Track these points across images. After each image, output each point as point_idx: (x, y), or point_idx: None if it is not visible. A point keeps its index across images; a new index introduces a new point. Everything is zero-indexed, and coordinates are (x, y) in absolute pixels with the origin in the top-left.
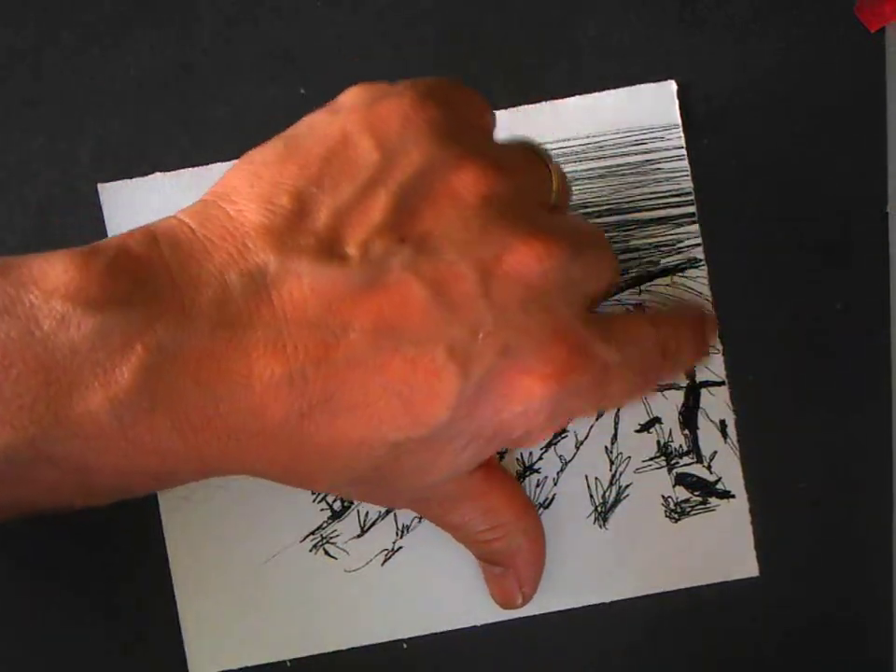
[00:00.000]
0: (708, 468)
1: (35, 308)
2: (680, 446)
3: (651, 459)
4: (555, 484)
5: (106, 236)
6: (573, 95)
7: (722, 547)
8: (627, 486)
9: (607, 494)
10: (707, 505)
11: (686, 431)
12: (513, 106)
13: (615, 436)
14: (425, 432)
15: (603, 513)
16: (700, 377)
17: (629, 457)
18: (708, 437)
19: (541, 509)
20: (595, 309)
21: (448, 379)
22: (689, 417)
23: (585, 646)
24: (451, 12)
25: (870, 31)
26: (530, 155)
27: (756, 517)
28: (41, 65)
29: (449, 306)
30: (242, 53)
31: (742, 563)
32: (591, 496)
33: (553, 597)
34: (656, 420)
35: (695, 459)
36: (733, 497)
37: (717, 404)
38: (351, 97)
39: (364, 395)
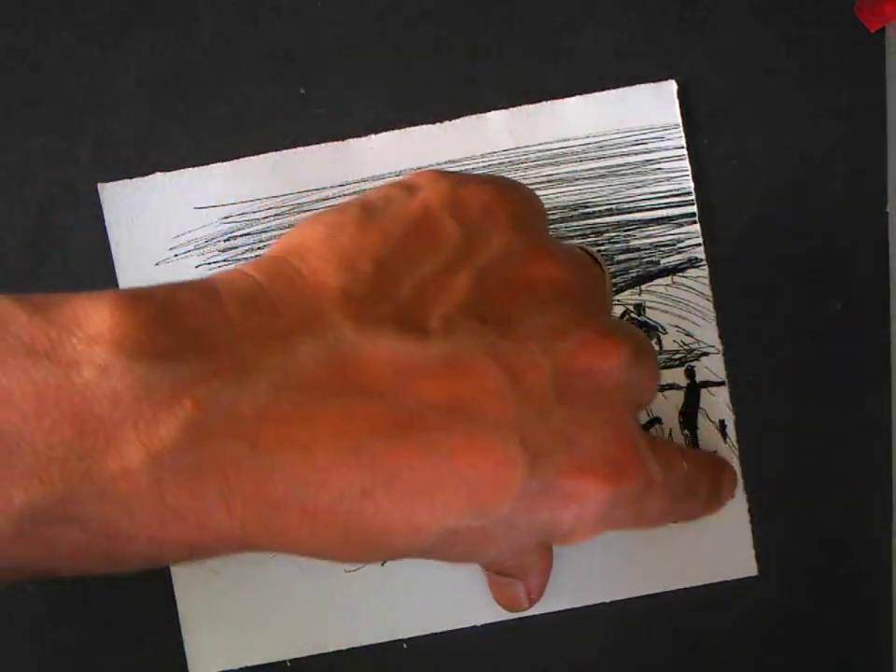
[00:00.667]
0: None
1: (77, 353)
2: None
3: None
4: None
5: (106, 236)
6: (573, 95)
7: (722, 547)
8: None
9: None
10: None
11: (686, 431)
12: (513, 106)
13: None
14: (485, 521)
15: None
16: (700, 377)
17: None
18: (708, 437)
19: None
20: None
21: (517, 470)
22: (689, 417)
23: (585, 646)
24: (451, 12)
25: (870, 31)
26: (587, 257)
27: (756, 517)
28: (41, 65)
29: (525, 395)
30: (242, 53)
31: (741, 563)
32: None
33: (553, 597)
34: (656, 420)
35: None
36: (732, 498)
37: (717, 404)
38: (428, 178)
39: (432, 478)
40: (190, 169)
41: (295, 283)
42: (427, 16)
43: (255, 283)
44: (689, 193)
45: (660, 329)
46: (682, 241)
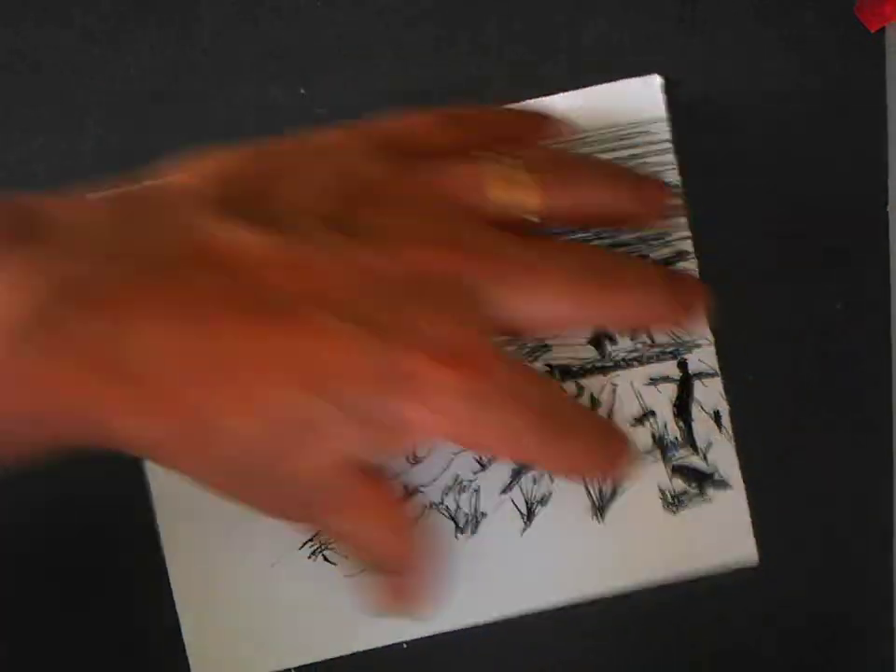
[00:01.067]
0: (704, 458)
1: None
2: (676, 438)
3: (647, 452)
4: (552, 481)
5: None
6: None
7: (722, 536)
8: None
9: (604, 488)
10: (705, 495)
11: (681, 423)
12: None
13: None
14: (319, 408)
15: (601, 507)
16: (693, 368)
17: None
18: (703, 428)
19: (539, 505)
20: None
21: (353, 352)
22: (683, 409)
23: (585, 641)
24: (451, 12)
25: (870, 31)
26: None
27: (755, 517)
28: (41, 65)
29: (370, 289)
30: (242, 53)
31: (742, 551)
32: (588, 491)
33: (554, 592)
34: (650, 413)
35: (691, 451)
36: (730, 487)
37: (710, 395)
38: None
39: (270, 354)
40: None
41: (164, 187)
42: (426, 16)
43: (125, 188)
44: (676, 186)
45: None
46: (670, 233)
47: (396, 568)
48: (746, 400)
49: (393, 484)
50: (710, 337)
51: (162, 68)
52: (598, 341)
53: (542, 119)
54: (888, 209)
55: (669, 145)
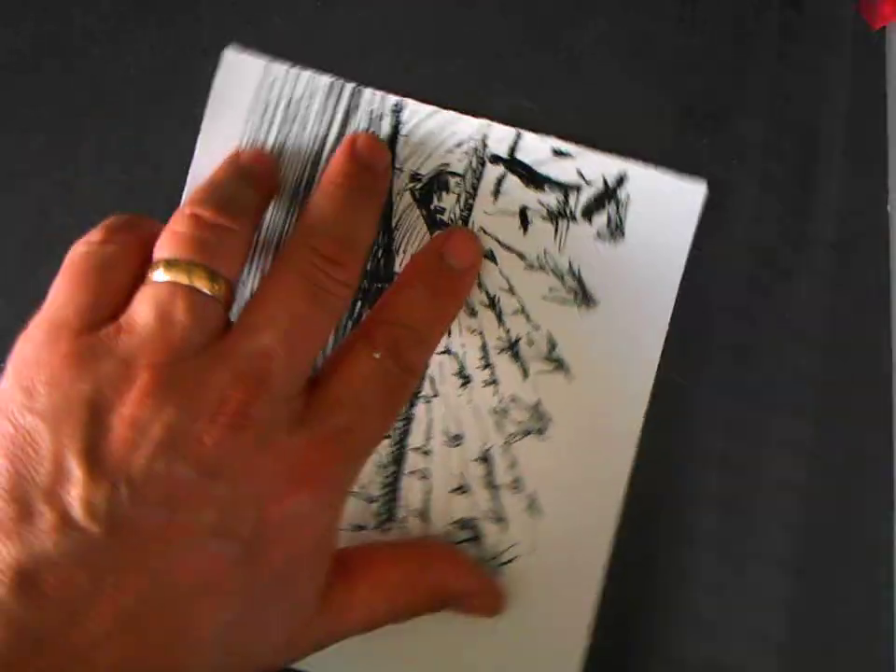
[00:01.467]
0: None
1: None
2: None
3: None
4: None
5: None
6: (573, 95)
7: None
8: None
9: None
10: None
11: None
12: (512, 106)
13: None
14: (239, 597)
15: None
16: None
17: None
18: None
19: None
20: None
21: (226, 551)
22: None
23: None
24: (451, 12)
25: (871, 30)
26: (176, 293)
27: (757, 516)
28: (41, 65)
29: (189, 505)
30: None
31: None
32: None
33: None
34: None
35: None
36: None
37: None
38: (8, 388)
39: (171, 614)
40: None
41: None
42: (426, 16)
43: None
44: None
45: None
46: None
47: None
48: (745, 400)
49: None
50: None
51: (162, 68)
52: None
53: None
54: (888, 209)
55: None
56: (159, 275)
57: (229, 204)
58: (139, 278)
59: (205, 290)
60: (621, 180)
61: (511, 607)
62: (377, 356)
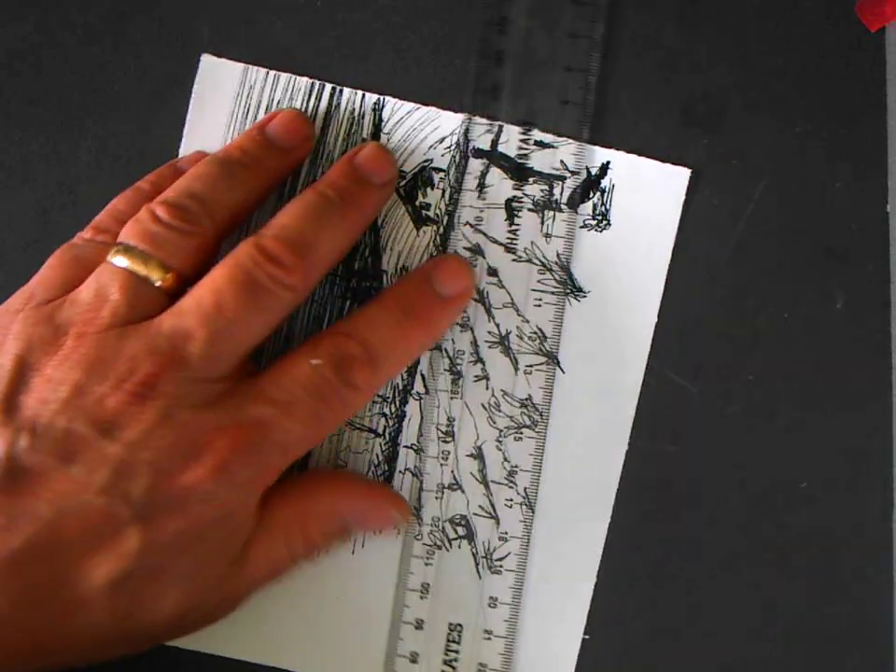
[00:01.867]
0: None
1: None
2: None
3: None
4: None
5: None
6: (574, 96)
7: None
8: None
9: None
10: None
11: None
12: (513, 106)
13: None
14: (130, 561)
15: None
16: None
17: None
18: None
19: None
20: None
21: (116, 512)
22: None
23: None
24: (451, 12)
25: (870, 31)
26: (120, 274)
27: (757, 516)
28: (41, 65)
29: (83, 461)
30: (242, 53)
31: None
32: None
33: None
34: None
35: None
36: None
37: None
38: None
39: (58, 563)
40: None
41: None
42: (426, 16)
43: None
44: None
45: None
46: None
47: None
48: (745, 400)
49: None
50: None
51: (162, 68)
52: None
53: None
54: (888, 209)
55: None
56: (115, 258)
57: (195, 205)
58: None
59: (153, 280)
60: (604, 168)
61: (515, 599)
62: (315, 362)
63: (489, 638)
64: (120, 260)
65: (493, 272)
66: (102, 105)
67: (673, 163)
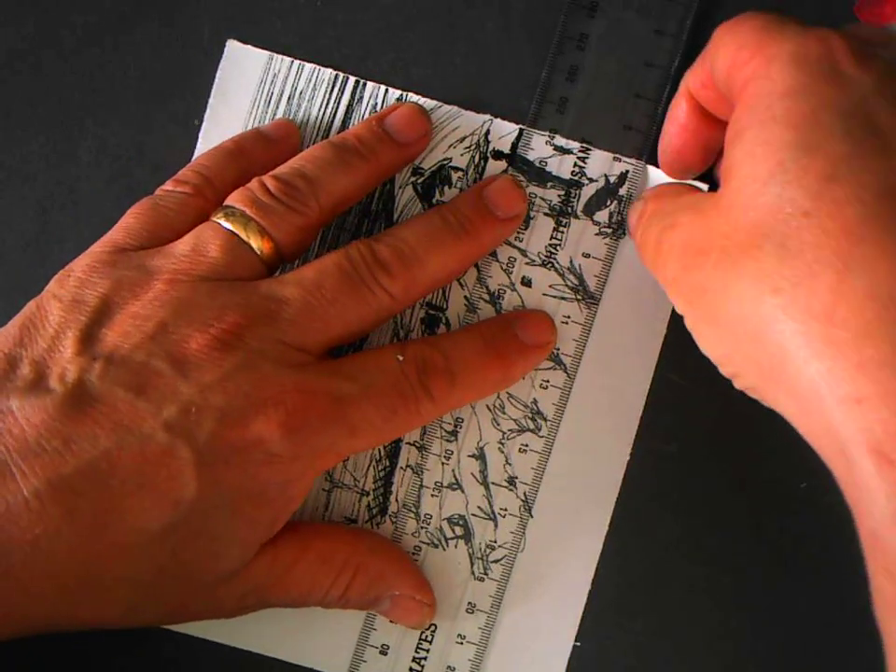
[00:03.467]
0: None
1: None
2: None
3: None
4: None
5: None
6: (574, 95)
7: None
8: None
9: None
10: None
11: None
12: (512, 106)
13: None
14: (182, 510)
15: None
16: None
17: None
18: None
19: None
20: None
21: (177, 453)
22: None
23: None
24: (451, 12)
25: None
26: (221, 233)
27: (757, 517)
28: (41, 65)
29: (154, 396)
30: None
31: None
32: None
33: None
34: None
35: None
36: None
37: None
38: (49, 284)
39: (106, 497)
40: None
41: None
42: (426, 15)
43: None
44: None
45: None
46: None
47: None
48: (745, 400)
49: None
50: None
51: (162, 68)
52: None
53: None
54: None
55: None
56: (217, 218)
57: (305, 185)
58: (198, 223)
59: (251, 245)
60: (623, 177)
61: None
62: (400, 357)
63: (461, 643)
64: (223, 221)
65: (506, 274)
66: (102, 105)
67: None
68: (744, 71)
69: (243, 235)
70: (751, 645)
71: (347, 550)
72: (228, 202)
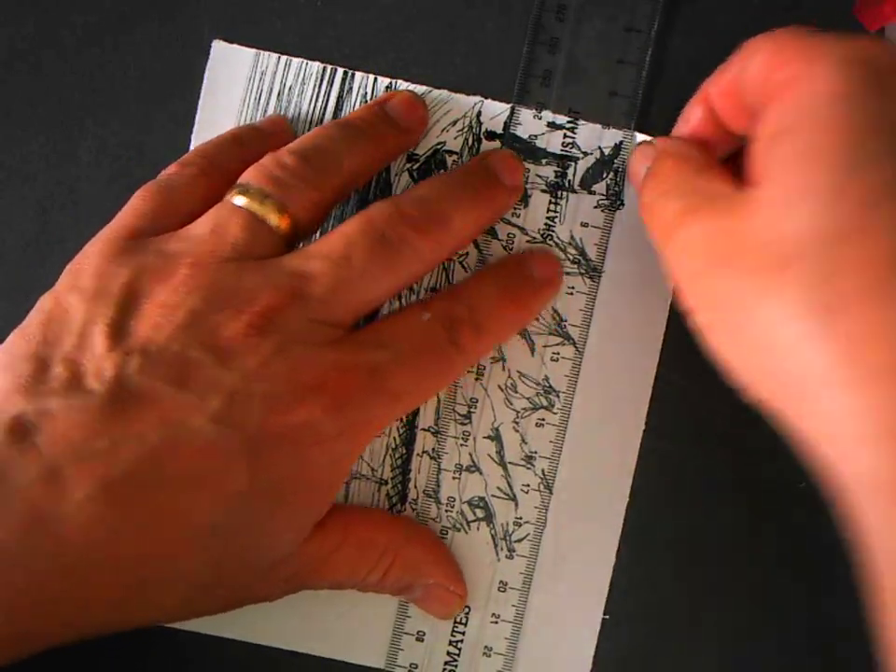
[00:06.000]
0: None
1: None
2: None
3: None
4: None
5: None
6: (574, 95)
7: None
8: None
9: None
10: None
11: None
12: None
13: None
14: (235, 503)
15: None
16: None
17: None
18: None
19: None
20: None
21: (227, 445)
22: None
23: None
24: (451, 12)
25: (869, 31)
26: (238, 212)
27: (758, 517)
28: (41, 65)
29: (196, 388)
30: None
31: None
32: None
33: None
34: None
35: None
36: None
37: None
38: (62, 277)
39: (160, 496)
40: None
41: None
42: (426, 16)
43: None
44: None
45: None
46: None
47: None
48: (745, 401)
49: None
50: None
51: (162, 68)
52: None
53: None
54: None
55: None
56: (232, 198)
57: (318, 160)
58: (206, 204)
59: (269, 221)
60: (617, 148)
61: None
62: (426, 316)
63: (496, 622)
64: (238, 199)
65: (508, 254)
66: (102, 105)
67: None
68: (783, 72)
69: (260, 212)
70: (752, 644)
71: (387, 536)
72: (242, 179)
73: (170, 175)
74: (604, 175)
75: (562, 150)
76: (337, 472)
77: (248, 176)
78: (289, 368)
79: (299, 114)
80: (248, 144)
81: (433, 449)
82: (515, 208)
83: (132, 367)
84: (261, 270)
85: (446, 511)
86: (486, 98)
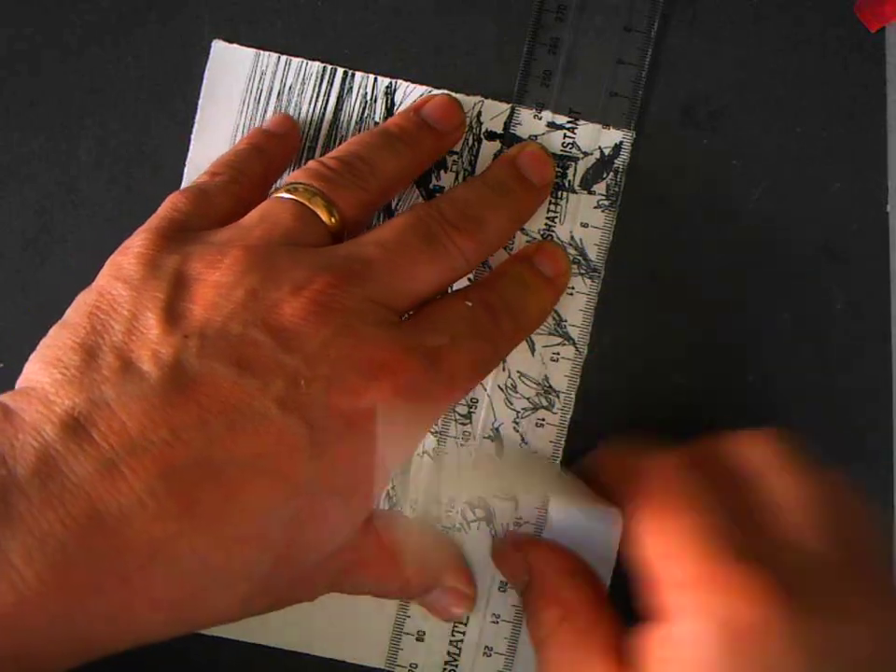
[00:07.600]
0: None
1: None
2: None
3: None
4: None
5: (106, 236)
6: (574, 95)
7: None
8: None
9: None
10: None
11: None
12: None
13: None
14: (300, 494)
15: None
16: None
17: None
18: None
19: None
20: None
21: (292, 430)
22: None
23: None
24: (451, 12)
25: (870, 31)
26: (287, 204)
27: None
28: (41, 65)
29: (259, 371)
30: None
31: None
32: None
33: None
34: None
35: None
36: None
37: None
38: (103, 270)
39: (224, 487)
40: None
41: (27, 398)
42: (427, 16)
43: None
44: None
45: None
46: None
47: None
48: (745, 402)
49: None
50: None
51: (162, 68)
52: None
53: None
54: (888, 209)
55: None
56: (280, 194)
57: (362, 164)
58: (242, 207)
59: (319, 214)
60: (617, 149)
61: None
62: (469, 303)
63: (496, 622)
64: (287, 195)
65: (508, 253)
66: (102, 104)
67: (673, 163)
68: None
69: (309, 206)
70: None
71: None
72: (290, 179)
73: (202, 183)
74: (604, 176)
75: (562, 150)
76: (396, 461)
77: (297, 176)
78: (352, 348)
79: (299, 114)
80: (266, 149)
81: (433, 448)
82: None
83: (190, 349)
84: (316, 253)
85: (448, 510)
86: (486, 98)
